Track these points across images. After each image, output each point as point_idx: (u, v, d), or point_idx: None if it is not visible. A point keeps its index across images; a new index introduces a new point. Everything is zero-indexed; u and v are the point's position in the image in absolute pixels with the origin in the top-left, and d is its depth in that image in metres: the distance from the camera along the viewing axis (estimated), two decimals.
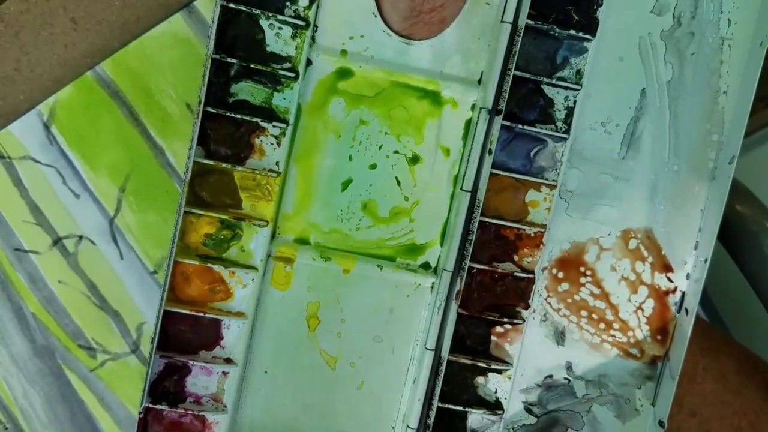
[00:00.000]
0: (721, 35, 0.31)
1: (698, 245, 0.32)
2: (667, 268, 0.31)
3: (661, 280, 0.31)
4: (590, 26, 0.29)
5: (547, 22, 0.28)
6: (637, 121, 0.31)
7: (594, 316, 0.32)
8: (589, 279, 0.31)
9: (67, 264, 0.35)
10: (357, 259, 0.31)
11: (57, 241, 0.35)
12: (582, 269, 0.33)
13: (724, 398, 0.35)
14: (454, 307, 0.31)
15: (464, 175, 0.31)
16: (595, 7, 0.29)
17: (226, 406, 0.31)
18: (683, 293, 0.31)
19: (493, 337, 0.31)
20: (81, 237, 0.35)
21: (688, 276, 0.32)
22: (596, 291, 0.32)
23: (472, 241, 0.31)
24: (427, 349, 0.30)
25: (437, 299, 0.31)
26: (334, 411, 0.33)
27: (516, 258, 0.31)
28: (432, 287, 0.32)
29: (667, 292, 0.31)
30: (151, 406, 0.30)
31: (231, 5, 0.28)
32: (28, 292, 0.35)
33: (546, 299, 0.31)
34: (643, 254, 0.31)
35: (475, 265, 0.31)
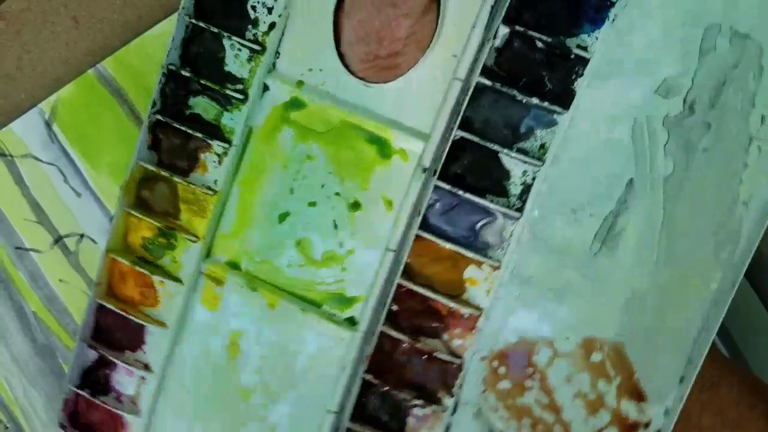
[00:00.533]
0: (750, 134, 0.28)
1: (684, 379, 0.30)
2: (638, 395, 0.31)
3: (629, 409, 0.30)
4: (564, 98, 0.27)
5: (514, 85, 0.26)
6: (618, 215, 0.28)
7: (539, 427, 0.32)
8: (536, 384, 0.30)
9: (68, 263, 0.39)
10: (282, 296, 0.31)
11: (58, 240, 0.39)
12: (529, 371, 0.31)
13: None
14: (360, 371, 0.32)
15: (391, 233, 0.32)
16: (573, 77, 0.26)
17: (140, 411, 0.33)
18: None
19: (410, 419, 0.32)
20: (82, 236, 0.39)
21: (667, 412, 0.30)
22: (544, 400, 0.31)
23: (386, 305, 0.31)
24: (328, 411, 0.29)
25: (346, 359, 0.33)
26: None
27: (446, 337, 0.29)
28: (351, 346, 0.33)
29: (636, 425, 0.28)
30: (74, 389, 0.35)
31: (196, 23, 0.32)
32: (29, 290, 0.40)
33: (482, 393, 0.31)
34: (608, 372, 0.29)
35: (392, 333, 0.31)
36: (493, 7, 0.28)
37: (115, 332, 0.35)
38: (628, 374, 0.30)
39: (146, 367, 0.35)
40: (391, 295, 0.30)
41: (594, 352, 0.31)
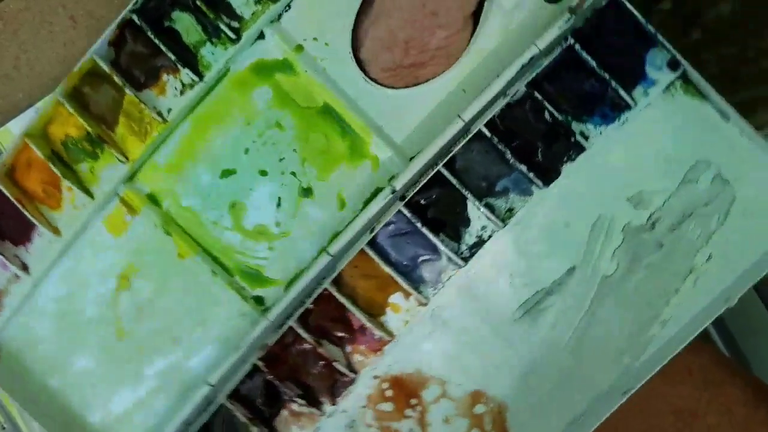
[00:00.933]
0: (692, 265, 0.32)
1: None
2: None
3: None
4: (549, 174, 0.27)
5: (508, 144, 0.26)
6: (549, 293, 0.29)
7: None
8: (415, 415, 0.33)
9: None
10: (197, 251, 0.30)
11: None
12: (413, 402, 0.34)
13: None
14: (254, 358, 0.33)
15: (336, 237, 0.32)
16: (565, 159, 0.27)
17: (2, 307, 0.35)
18: None
19: (285, 411, 0.34)
20: None
21: None
22: (416, 431, 0.30)
23: (304, 306, 0.33)
24: (206, 383, 0.28)
25: (243, 340, 0.33)
26: (97, 380, 0.35)
27: (348, 349, 0.30)
28: (252, 325, 0.34)
29: None
30: None
31: None
32: None
33: (362, 407, 0.34)
34: (485, 426, 0.31)
35: (303, 334, 0.33)
36: (524, 66, 0.28)
37: (2, 218, 0.33)
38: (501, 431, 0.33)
39: (24, 267, 0.33)
40: (314, 296, 0.30)
41: (479, 404, 0.33)
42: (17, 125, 0.37)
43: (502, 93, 0.30)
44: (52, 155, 0.34)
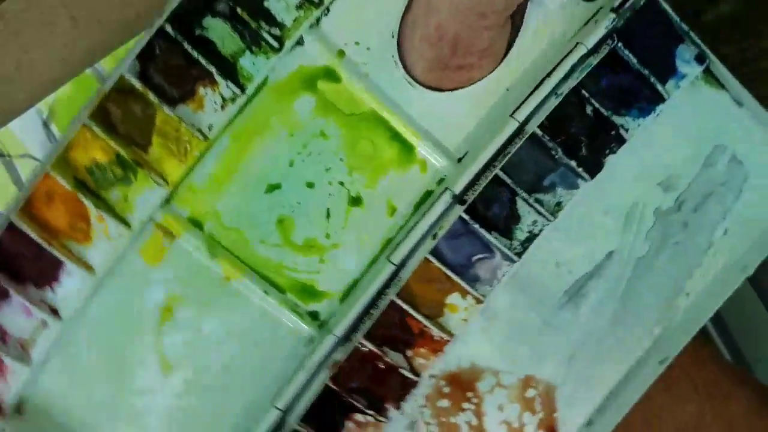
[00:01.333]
0: (712, 240, 0.34)
1: (591, 422, 0.35)
2: (551, 430, 0.35)
3: None
4: (593, 167, 0.30)
5: (554, 140, 0.27)
6: (590, 278, 0.31)
7: None
8: (472, 407, 0.35)
9: None
10: (245, 272, 0.29)
11: None
12: (469, 395, 0.35)
13: None
14: (324, 376, 0.32)
15: (398, 246, 0.32)
16: (607, 151, 0.28)
17: (31, 360, 0.31)
18: None
19: (350, 423, 0.34)
20: None
21: None
22: (474, 422, 0.36)
23: (374, 318, 0.32)
24: (275, 407, 0.27)
25: (310, 359, 0.32)
26: (141, 421, 0.33)
27: (409, 353, 0.30)
28: (310, 341, 0.33)
29: None
30: None
31: None
32: None
33: (421, 407, 0.35)
34: (536, 407, 0.32)
35: (366, 344, 0.33)
36: (573, 66, 0.29)
37: (20, 260, 0.30)
38: (550, 411, 0.35)
39: (54, 312, 0.31)
40: (381, 307, 0.30)
41: (530, 389, 0.35)
42: (18, 125, 0.35)
43: (554, 92, 0.31)
44: (78, 184, 0.32)
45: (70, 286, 0.32)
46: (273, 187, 0.33)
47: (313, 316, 0.34)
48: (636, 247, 0.35)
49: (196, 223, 0.33)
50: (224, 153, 0.33)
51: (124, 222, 0.32)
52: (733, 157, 0.35)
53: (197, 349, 0.33)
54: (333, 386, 0.33)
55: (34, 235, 0.31)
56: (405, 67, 0.32)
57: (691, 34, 0.32)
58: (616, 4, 0.31)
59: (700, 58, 0.32)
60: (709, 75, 0.33)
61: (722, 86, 0.33)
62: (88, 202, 0.31)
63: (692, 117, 0.34)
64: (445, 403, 0.35)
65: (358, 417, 0.34)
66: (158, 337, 0.33)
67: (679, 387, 0.40)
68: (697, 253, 0.36)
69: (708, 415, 0.39)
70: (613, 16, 0.31)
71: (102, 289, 0.32)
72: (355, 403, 0.33)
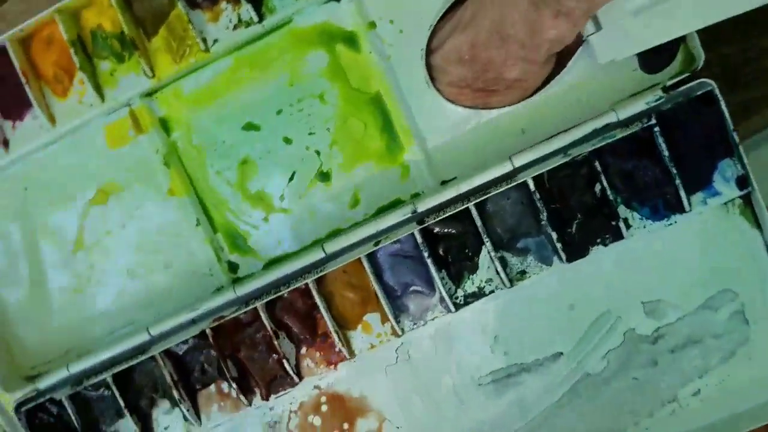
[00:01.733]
0: (676, 395, 0.30)
1: None
2: None
3: None
4: (576, 251, 0.26)
5: (546, 202, 0.24)
6: (526, 371, 0.28)
7: None
8: None
9: None
10: (190, 194, 0.28)
11: None
12: (345, 426, 0.32)
13: None
14: (205, 324, 0.30)
15: (338, 236, 0.30)
16: (598, 241, 0.25)
17: None
18: None
19: (213, 387, 0.32)
20: None
21: None
22: None
23: (279, 293, 0.30)
24: (148, 331, 0.28)
25: (202, 304, 0.31)
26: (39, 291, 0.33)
27: (303, 351, 0.28)
28: (217, 288, 0.32)
29: None
30: None
31: None
32: None
33: (291, 412, 0.32)
34: None
35: (264, 319, 0.30)
36: (596, 130, 0.26)
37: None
38: None
39: (4, 143, 0.30)
40: (293, 286, 0.28)
41: None
42: None
43: (563, 151, 0.28)
44: (77, 41, 0.31)
45: (29, 128, 0.32)
46: (252, 127, 0.31)
47: (232, 267, 0.32)
48: (589, 361, 0.31)
49: (166, 127, 0.32)
50: (221, 73, 0.31)
51: (101, 94, 0.31)
52: (741, 311, 0.30)
53: (112, 243, 0.32)
54: (211, 340, 0.31)
55: (18, 65, 0.31)
56: (429, 68, 0.30)
57: (741, 151, 0.27)
58: (670, 83, 0.27)
59: (743, 182, 0.28)
60: (747, 205, 0.29)
61: (757, 224, 0.29)
62: (77, 60, 0.31)
63: (709, 245, 0.29)
64: (317, 420, 0.32)
65: (224, 386, 0.32)
66: (84, 213, 0.32)
67: None
68: (654, 401, 0.31)
69: None
70: (661, 94, 0.27)
71: (56, 145, 0.32)
72: (225, 368, 0.31)
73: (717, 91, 0.27)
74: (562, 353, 0.31)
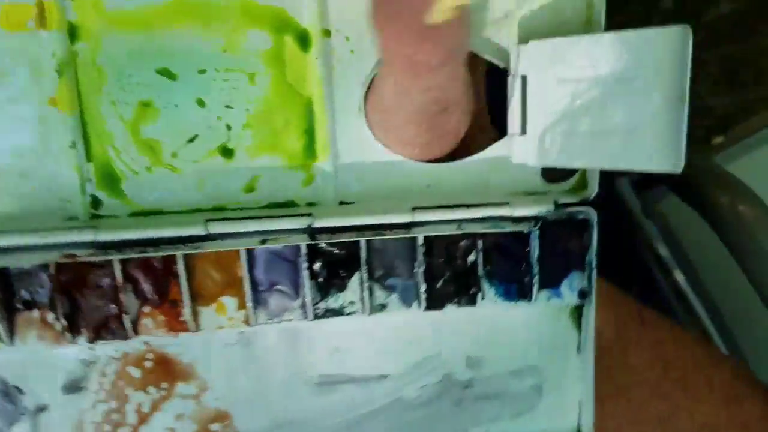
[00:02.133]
0: None
1: None
2: None
3: None
4: (434, 302, 0.30)
5: (426, 254, 0.26)
6: (352, 382, 0.31)
7: (113, 416, 0.32)
8: (155, 396, 0.32)
9: None
10: (74, 112, 0.27)
11: None
12: (164, 385, 0.32)
13: None
14: (53, 257, 0.29)
15: (226, 220, 0.30)
16: (455, 300, 0.28)
17: None
18: None
19: (36, 313, 0.30)
20: None
21: None
22: (144, 409, 0.32)
23: (143, 254, 0.29)
24: None
25: (54, 233, 0.29)
26: None
27: (146, 309, 0.30)
28: (71, 218, 0.30)
29: None
30: None
31: None
32: None
33: (112, 358, 0.31)
34: None
35: (115, 266, 0.30)
36: (489, 218, 0.28)
37: None
38: None
39: None
40: (164, 252, 0.28)
41: (218, 424, 0.33)
42: None
43: (459, 223, 0.30)
44: None
45: None
46: (167, 74, 0.29)
47: (95, 203, 0.30)
48: (406, 387, 0.34)
49: (73, 33, 0.28)
50: (155, 5, 0.28)
51: None
52: (540, 386, 0.35)
53: None
54: (53, 272, 0.29)
55: None
56: (366, 94, 0.30)
57: (593, 270, 0.32)
58: (561, 201, 0.30)
59: (584, 295, 0.33)
60: (578, 312, 0.34)
61: (578, 329, 0.34)
62: None
63: (537, 331, 0.34)
64: (136, 372, 0.32)
65: (49, 316, 0.30)
66: None
67: (696, 386, 0.38)
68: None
69: (723, 417, 0.38)
70: (552, 208, 0.30)
71: None
72: (59, 303, 0.29)
73: (595, 221, 0.31)
74: (387, 376, 0.34)
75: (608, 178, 0.61)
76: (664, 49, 0.25)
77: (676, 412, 0.37)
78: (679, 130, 0.26)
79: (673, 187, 0.52)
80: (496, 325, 0.34)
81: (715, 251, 0.37)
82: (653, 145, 0.27)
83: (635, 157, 0.27)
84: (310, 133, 0.30)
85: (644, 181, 0.62)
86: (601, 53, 0.26)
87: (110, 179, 0.30)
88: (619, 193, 0.61)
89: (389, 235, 0.30)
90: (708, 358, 0.40)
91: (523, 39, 0.29)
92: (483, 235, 0.30)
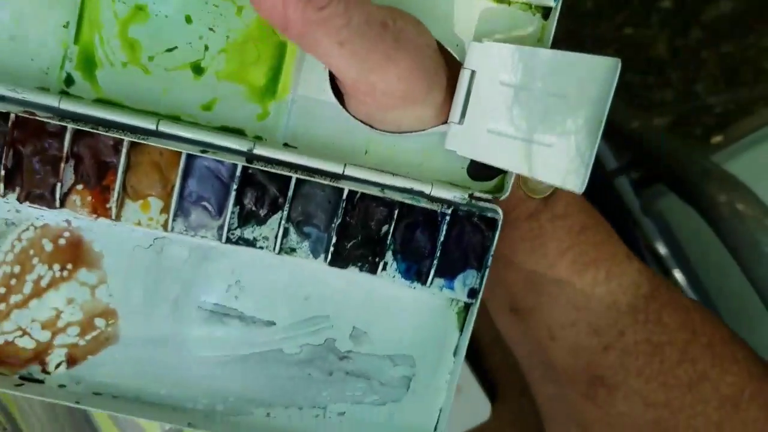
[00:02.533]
0: (317, 403, 0.37)
1: None
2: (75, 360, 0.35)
3: None
4: (339, 260, 0.31)
5: (346, 214, 0.29)
6: (239, 318, 0.32)
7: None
8: (54, 275, 0.34)
9: None
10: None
11: None
12: (69, 266, 0.34)
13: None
14: (14, 109, 0.31)
15: (176, 124, 0.32)
16: (358, 264, 0.30)
17: None
18: None
19: None
20: None
21: None
22: (43, 283, 0.34)
23: (95, 133, 0.32)
24: None
25: (24, 93, 0.32)
26: None
27: (79, 187, 0.32)
28: (41, 88, 0.33)
29: None
30: None
31: None
32: None
33: (33, 226, 0.33)
34: (86, 332, 0.34)
35: (66, 140, 0.32)
36: (408, 189, 0.31)
37: None
38: (95, 346, 0.33)
39: None
40: (113, 135, 0.30)
41: (102, 320, 0.35)
42: None
43: (383, 187, 0.33)
44: None
45: None
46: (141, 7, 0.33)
47: (68, 80, 0.33)
48: (288, 341, 0.36)
49: None
50: None
51: None
52: (410, 378, 0.37)
53: None
54: (10, 124, 0.31)
55: None
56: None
57: (486, 271, 0.35)
58: (475, 194, 0.34)
59: (473, 294, 0.35)
60: (464, 312, 0.36)
61: (461, 329, 0.36)
62: None
63: (424, 318, 0.36)
64: (48, 246, 0.34)
65: None
66: None
67: (722, 357, 0.37)
68: (309, 400, 0.37)
69: (746, 393, 0.37)
70: (467, 198, 0.34)
71: None
72: (5, 155, 0.31)
73: (500, 222, 0.34)
74: (275, 324, 0.36)
75: (608, 177, 0.63)
76: (593, 75, 0.28)
77: (702, 381, 0.37)
78: (590, 154, 0.30)
79: (672, 186, 0.53)
80: (388, 305, 0.36)
81: (714, 250, 0.38)
82: (563, 164, 0.30)
83: (547, 170, 0.31)
84: (275, 73, 0.34)
85: (643, 180, 0.62)
86: (539, 67, 0.30)
87: (88, 64, 0.33)
88: (618, 191, 0.62)
89: (318, 179, 0.33)
90: (731, 334, 0.39)
91: (478, 38, 0.33)
92: (401, 206, 0.34)
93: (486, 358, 0.53)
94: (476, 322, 0.36)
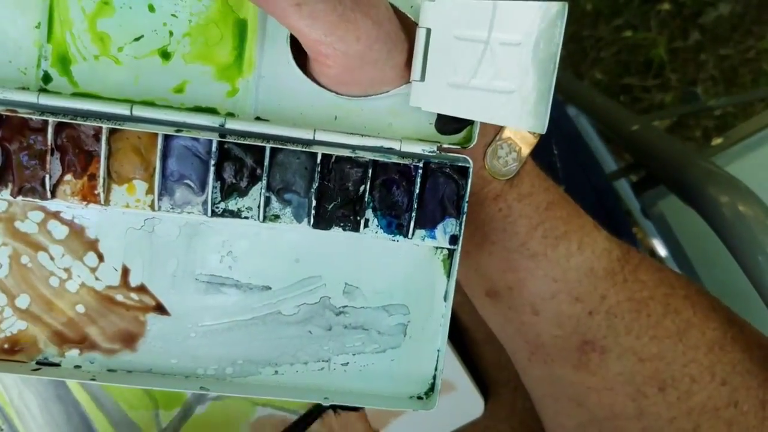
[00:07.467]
0: (328, 357, 0.39)
1: None
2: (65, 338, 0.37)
3: None
4: (322, 222, 0.32)
5: (323, 178, 0.31)
6: (236, 287, 0.33)
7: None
8: (55, 269, 0.36)
9: None
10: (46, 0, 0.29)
11: None
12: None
13: None
14: None
15: (149, 107, 0.34)
16: (342, 225, 0.32)
17: None
18: None
19: None
20: None
21: None
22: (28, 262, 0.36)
23: (74, 123, 0.34)
24: None
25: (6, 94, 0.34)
26: None
27: (67, 177, 0.33)
28: (22, 74, 0.34)
29: None
30: None
31: None
32: None
33: (39, 213, 0.35)
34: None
35: (49, 134, 0.33)
36: (379, 147, 0.33)
37: None
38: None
39: None
40: (91, 123, 0.32)
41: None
42: None
43: (353, 148, 0.35)
44: None
45: None
46: None
47: (46, 78, 0.34)
48: (285, 303, 0.38)
49: None
50: None
51: None
52: (405, 325, 0.39)
53: None
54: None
55: None
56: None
57: (464, 217, 0.36)
58: (445, 145, 0.35)
59: (454, 240, 0.37)
60: (449, 258, 0.38)
61: (448, 275, 0.38)
62: None
63: (410, 269, 0.38)
64: (28, 227, 0.35)
65: None
66: None
67: (702, 305, 0.38)
68: (312, 355, 0.39)
69: (729, 335, 0.38)
70: (435, 150, 0.35)
71: None
72: None
73: (471, 170, 0.35)
74: (270, 288, 0.38)
75: (608, 180, 0.64)
76: (542, 21, 0.30)
77: (689, 328, 0.38)
78: (548, 96, 0.31)
79: (672, 188, 0.53)
80: (376, 260, 0.38)
81: (716, 252, 0.38)
82: (524, 107, 0.32)
83: (509, 116, 0.32)
84: (239, 51, 0.35)
85: (644, 182, 0.62)
86: (490, 18, 0.31)
87: (63, 60, 0.34)
88: (618, 194, 0.62)
89: (291, 147, 0.34)
90: (703, 288, 0.40)
91: None
92: (374, 165, 0.35)
93: (478, 355, 0.53)
94: (467, 319, 0.37)
